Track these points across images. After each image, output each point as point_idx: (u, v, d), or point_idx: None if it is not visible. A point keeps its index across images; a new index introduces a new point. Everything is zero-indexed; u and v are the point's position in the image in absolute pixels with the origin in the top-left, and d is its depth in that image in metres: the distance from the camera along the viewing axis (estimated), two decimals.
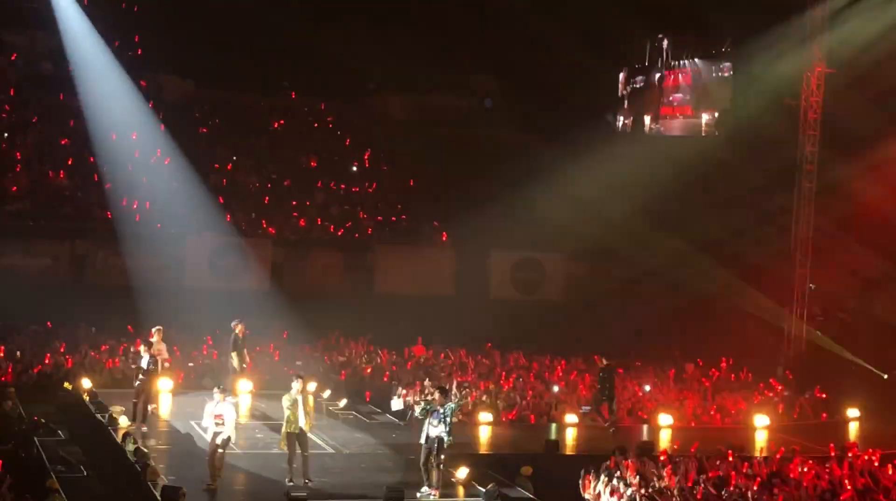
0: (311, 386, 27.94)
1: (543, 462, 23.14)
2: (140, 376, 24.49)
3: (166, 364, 26.39)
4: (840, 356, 35.91)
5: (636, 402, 29.68)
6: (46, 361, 28.91)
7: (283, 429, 20.74)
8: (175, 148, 39.05)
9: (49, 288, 34.47)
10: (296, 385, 20.87)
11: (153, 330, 26.59)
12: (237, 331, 27.50)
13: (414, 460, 21.30)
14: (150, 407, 24.70)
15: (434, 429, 20.36)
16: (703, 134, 39.91)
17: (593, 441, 26.18)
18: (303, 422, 20.52)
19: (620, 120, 42.42)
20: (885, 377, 34.88)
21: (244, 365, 27.73)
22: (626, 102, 42.22)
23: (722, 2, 36.58)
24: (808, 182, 36.01)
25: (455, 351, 33.31)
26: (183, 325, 32.16)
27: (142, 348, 25.09)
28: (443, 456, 20.38)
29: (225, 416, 20.27)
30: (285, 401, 20.72)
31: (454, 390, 21.24)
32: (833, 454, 23.87)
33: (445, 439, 20.31)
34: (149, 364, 24.60)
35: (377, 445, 24.20)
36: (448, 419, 20.37)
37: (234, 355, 27.48)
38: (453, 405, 20.90)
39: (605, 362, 28.06)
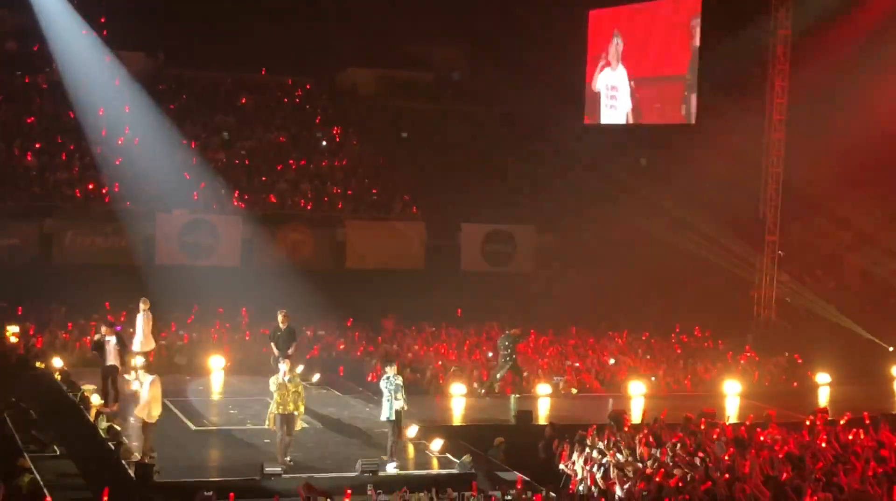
0: (284, 366, 28.11)
1: (516, 433, 23.30)
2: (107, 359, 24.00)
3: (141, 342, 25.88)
4: (810, 321, 36.18)
5: (604, 371, 29.80)
6: (12, 337, 28.78)
7: (271, 410, 20.67)
8: (143, 125, 38.90)
9: (17, 268, 34.29)
10: (283, 367, 20.80)
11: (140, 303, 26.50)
12: (279, 321, 25.67)
13: (387, 432, 21.37)
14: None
15: (397, 402, 20.87)
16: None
17: (565, 410, 26.30)
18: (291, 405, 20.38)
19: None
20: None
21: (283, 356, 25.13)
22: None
23: None
24: (776, 151, 36.08)
25: (423, 324, 33.39)
26: (154, 303, 32.05)
27: (104, 329, 24.51)
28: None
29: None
30: (272, 384, 20.57)
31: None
32: (805, 420, 24.08)
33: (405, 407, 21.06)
34: (114, 346, 24.00)
35: (351, 419, 24.23)
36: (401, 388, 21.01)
37: (272, 346, 25.74)
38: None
39: (509, 331, 28.23)
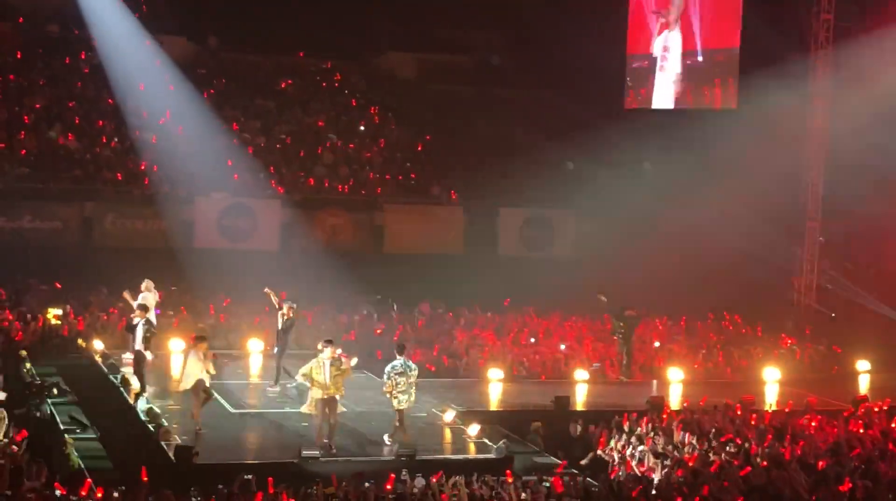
0: (328, 350, 28.16)
1: (554, 418, 23.28)
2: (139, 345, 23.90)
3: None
4: (850, 308, 35.93)
5: (648, 356, 29.76)
6: (54, 320, 29.03)
7: (312, 395, 20.70)
8: (182, 109, 39.04)
9: (58, 251, 34.53)
10: (327, 351, 20.72)
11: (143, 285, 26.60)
12: (284, 311, 25.32)
13: (424, 417, 21.46)
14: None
15: (403, 395, 21.02)
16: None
17: (603, 396, 26.27)
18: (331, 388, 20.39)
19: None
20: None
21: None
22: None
23: None
24: (818, 139, 35.81)
25: (462, 310, 33.34)
26: (191, 286, 32.29)
27: (137, 311, 24.50)
28: None
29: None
30: (314, 368, 20.49)
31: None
32: (845, 407, 23.95)
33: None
34: (145, 332, 23.88)
35: (388, 403, 24.23)
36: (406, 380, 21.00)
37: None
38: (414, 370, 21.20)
39: (627, 312, 28.42)
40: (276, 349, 25.36)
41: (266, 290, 25.75)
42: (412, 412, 22.26)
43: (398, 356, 21.36)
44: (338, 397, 20.53)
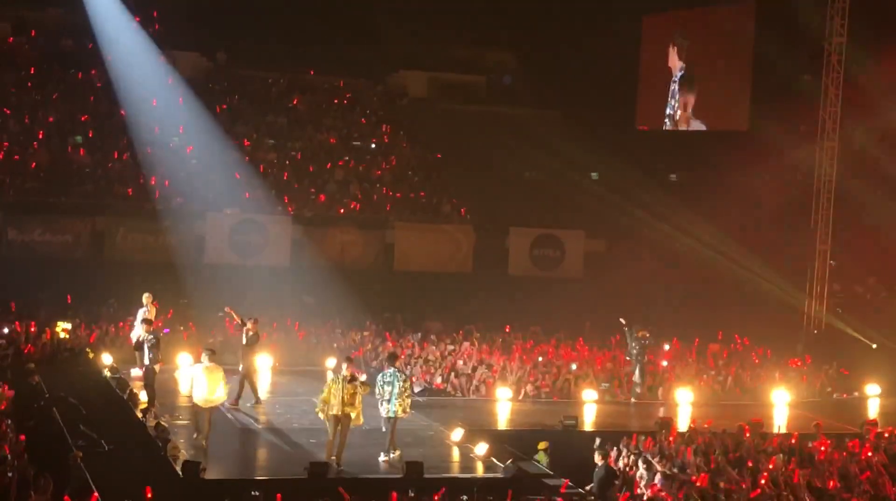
0: (331, 362, 28.24)
1: (561, 439, 23.23)
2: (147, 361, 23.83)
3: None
4: (860, 332, 35.82)
5: (655, 377, 29.70)
6: (62, 333, 29.08)
7: (325, 411, 20.67)
8: (194, 125, 39.15)
9: (69, 265, 34.61)
10: (343, 369, 20.79)
11: (144, 298, 26.62)
12: (248, 326, 25.25)
13: (432, 436, 21.41)
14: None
15: (388, 403, 21.00)
16: None
17: (611, 417, 26.21)
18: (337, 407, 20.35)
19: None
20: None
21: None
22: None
23: None
24: (829, 142, 35.77)
25: (471, 328, 33.34)
26: (201, 301, 32.30)
27: (143, 327, 24.37)
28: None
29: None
30: (332, 389, 20.47)
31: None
32: (854, 431, 23.86)
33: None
34: (152, 346, 23.73)
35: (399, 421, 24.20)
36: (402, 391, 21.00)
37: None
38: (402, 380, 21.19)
39: (639, 333, 28.35)
40: (240, 367, 24.96)
41: (227, 309, 25.92)
42: (421, 430, 22.23)
43: (389, 367, 21.42)
44: (352, 415, 20.48)
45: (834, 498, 18.15)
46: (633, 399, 28.13)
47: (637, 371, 28.39)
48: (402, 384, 21.01)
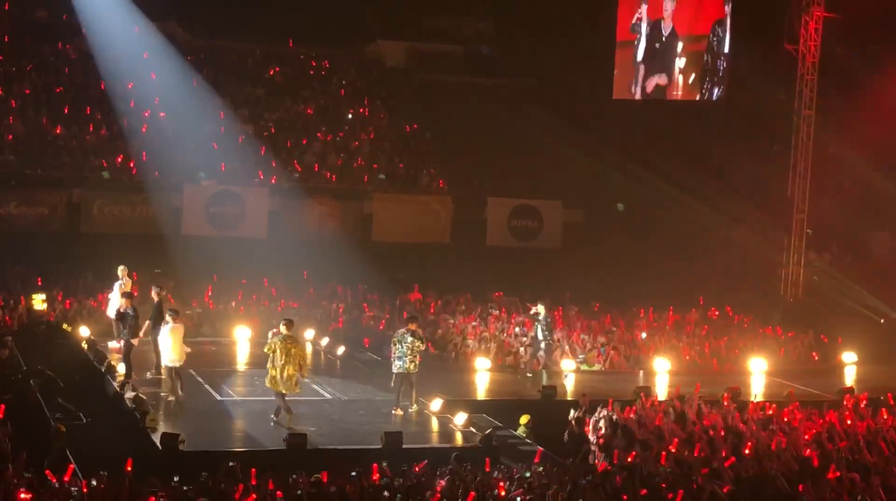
0: (310, 334, 28.26)
1: (541, 408, 23.31)
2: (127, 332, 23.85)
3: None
4: (837, 300, 36.00)
5: (633, 347, 29.78)
6: (39, 305, 29.01)
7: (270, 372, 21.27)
8: (171, 96, 38.92)
9: (45, 238, 34.46)
10: (281, 329, 21.44)
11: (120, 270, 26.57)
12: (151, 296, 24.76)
13: (409, 406, 21.63)
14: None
15: (400, 361, 22.49)
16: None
17: (589, 386, 26.27)
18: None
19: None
20: (882, 321, 35.01)
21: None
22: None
23: None
24: (806, 127, 35.88)
25: (450, 298, 33.40)
26: (179, 273, 32.24)
27: (123, 301, 24.50)
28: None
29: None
30: (270, 344, 21.34)
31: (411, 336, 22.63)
32: (831, 399, 24.01)
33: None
34: (131, 319, 23.82)
35: (375, 392, 24.28)
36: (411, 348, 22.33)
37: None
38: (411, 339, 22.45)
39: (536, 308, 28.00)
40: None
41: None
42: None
43: (406, 328, 22.74)
44: (283, 376, 21.05)
45: (810, 465, 18.23)
46: (528, 374, 27.59)
47: (543, 348, 27.68)
48: (411, 344, 22.32)
